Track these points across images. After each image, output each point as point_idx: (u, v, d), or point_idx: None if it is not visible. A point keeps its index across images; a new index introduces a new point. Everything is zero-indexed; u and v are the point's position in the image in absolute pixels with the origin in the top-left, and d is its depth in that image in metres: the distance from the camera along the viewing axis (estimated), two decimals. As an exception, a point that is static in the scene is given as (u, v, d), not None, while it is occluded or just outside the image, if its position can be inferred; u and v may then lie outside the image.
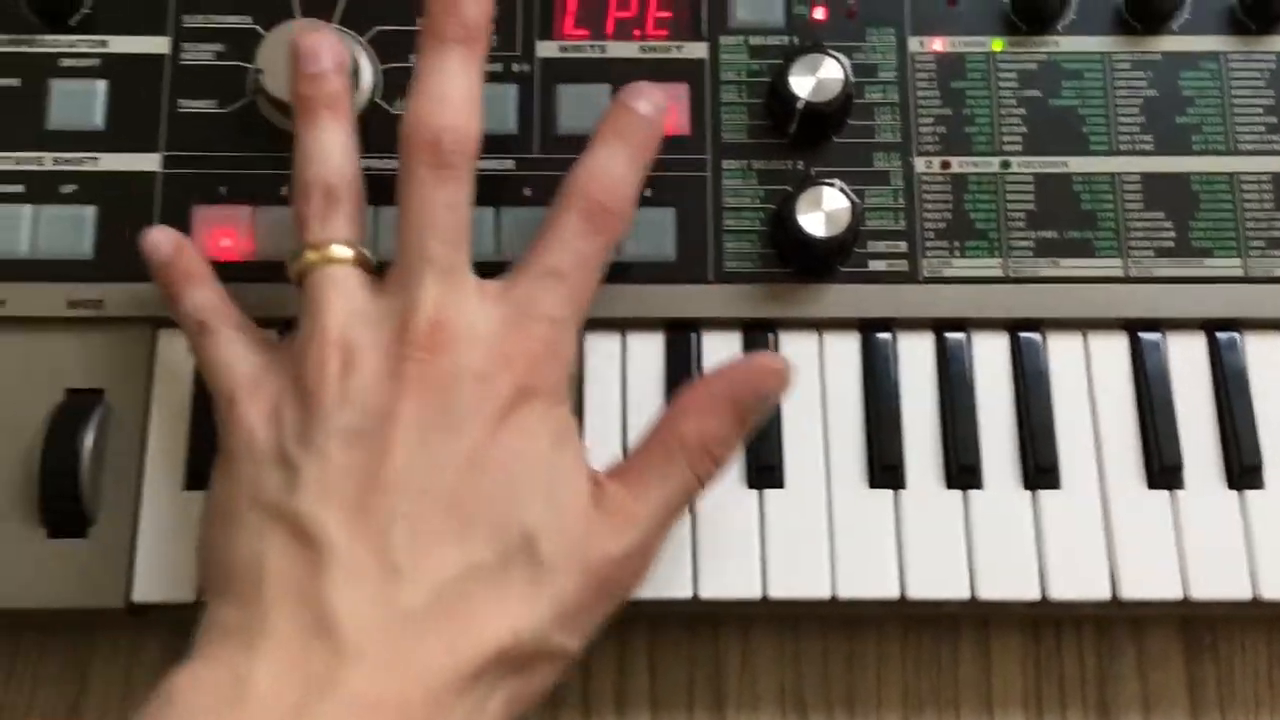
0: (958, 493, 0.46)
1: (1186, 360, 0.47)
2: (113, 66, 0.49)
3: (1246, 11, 0.50)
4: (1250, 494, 0.46)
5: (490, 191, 0.48)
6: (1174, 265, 0.47)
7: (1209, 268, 0.48)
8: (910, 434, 0.47)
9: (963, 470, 0.46)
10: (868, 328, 0.48)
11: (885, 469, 0.46)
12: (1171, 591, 0.44)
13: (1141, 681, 0.48)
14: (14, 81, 0.48)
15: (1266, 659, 0.48)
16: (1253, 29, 0.50)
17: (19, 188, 0.48)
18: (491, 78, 0.49)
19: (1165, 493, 0.46)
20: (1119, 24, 0.50)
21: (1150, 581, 0.45)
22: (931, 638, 0.49)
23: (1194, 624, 0.49)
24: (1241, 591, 0.45)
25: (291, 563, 0.36)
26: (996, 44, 0.50)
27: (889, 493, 0.46)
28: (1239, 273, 0.48)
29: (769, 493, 0.46)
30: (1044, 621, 0.49)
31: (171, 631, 0.49)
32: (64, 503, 0.45)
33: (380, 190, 0.48)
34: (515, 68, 0.49)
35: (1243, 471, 0.46)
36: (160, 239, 0.44)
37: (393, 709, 0.35)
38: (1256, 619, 0.48)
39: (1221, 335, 0.48)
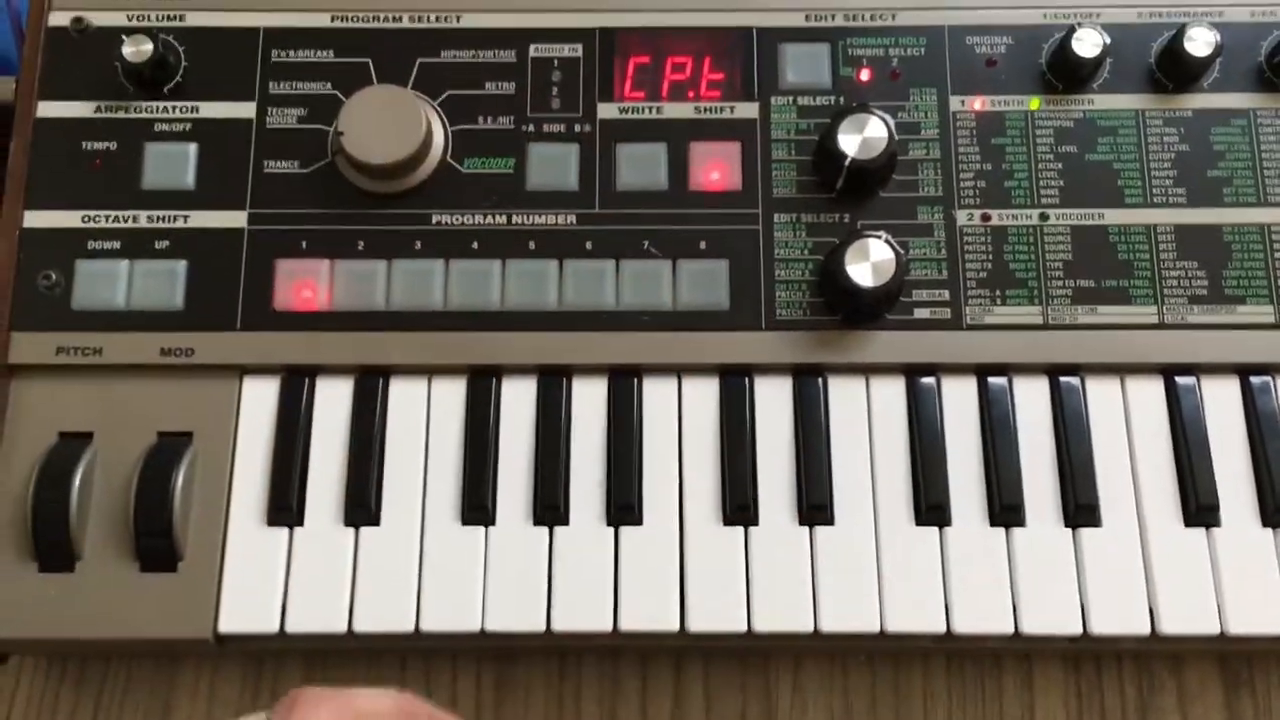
0: (1001, 530, 0.48)
1: (1221, 403, 0.49)
2: (203, 130, 0.52)
3: (1274, 70, 0.52)
4: (1285, 532, 0.48)
5: (553, 246, 0.51)
6: (1207, 312, 0.49)
7: (1241, 315, 0.49)
8: (955, 474, 0.49)
9: (1005, 509, 0.48)
10: (913, 373, 0.50)
11: (931, 508, 0.48)
12: (1209, 627, 0.46)
13: (1181, 715, 0.49)
14: (112, 145, 0.52)
15: (1305, 694, 0.50)
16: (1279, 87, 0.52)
17: (116, 244, 0.51)
18: (554, 138, 0.52)
19: (1202, 531, 0.48)
20: (1151, 83, 0.52)
21: (1188, 617, 0.46)
22: (975, 671, 0.50)
23: (1232, 659, 0.50)
24: (1277, 627, 0.46)
25: None
26: (1034, 103, 0.52)
27: (935, 530, 0.48)
28: (1271, 319, 0.49)
29: (819, 530, 0.48)
30: (1085, 656, 0.50)
31: (251, 660, 0.52)
32: (155, 539, 0.48)
33: (449, 243, 0.51)
34: (577, 128, 0.52)
35: (1277, 509, 0.47)
36: None
37: None
38: (1294, 654, 0.50)
39: (1255, 379, 0.49)
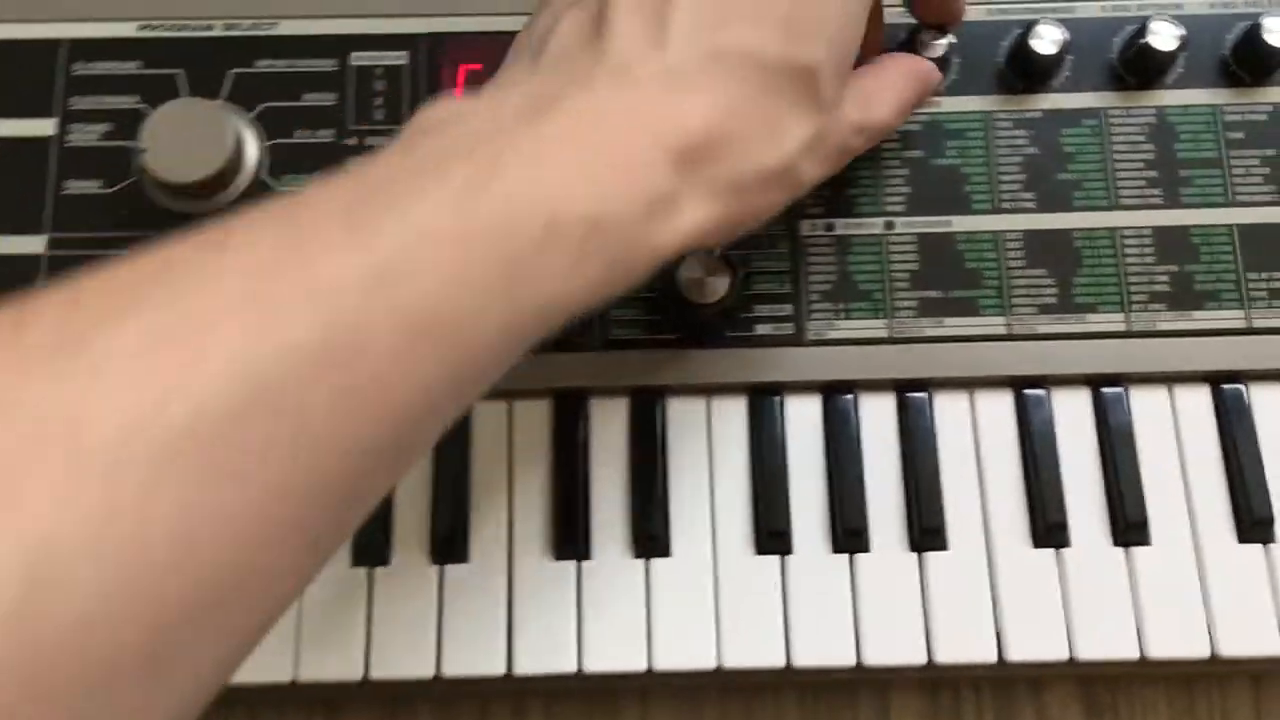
0: (845, 557, 0.46)
1: (1072, 416, 0.47)
2: (-3, 150, 0.49)
3: (1126, 67, 0.50)
4: (1137, 550, 0.46)
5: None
6: (1057, 322, 0.48)
7: (1092, 323, 0.48)
8: (797, 498, 0.46)
9: (849, 533, 0.46)
10: (755, 391, 0.48)
11: (772, 535, 0.46)
12: (1058, 652, 0.44)
13: (1039, 742, 0.48)
14: (-99, 167, 0.49)
15: (1167, 718, 0.48)
16: (1132, 84, 0.50)
17: (-97, 274, 0.48)
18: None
19: (1050, 551, 0.46)
20: (1000, 83, 0.50)
21: (1036, 642, 0.44)
22: (829, 702, 0.48)
23: (1093, 684, 0.48)
24: (1129, 651, 0.44)
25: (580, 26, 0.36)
26: (879, 105, 0.50)
27: (776, 559, 0.46)
28: (1122, 328, 0.48)
29: (655, 562, 0.46)
30: (941, 684, 0.48)
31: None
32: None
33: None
34: (401, 141, 0.50)
35: (1128, 528, 0.46)
36: None
37: (611, 133, 0.33)
38: (1154, 678, 0.48)
39: (1107, 390, 0.48)
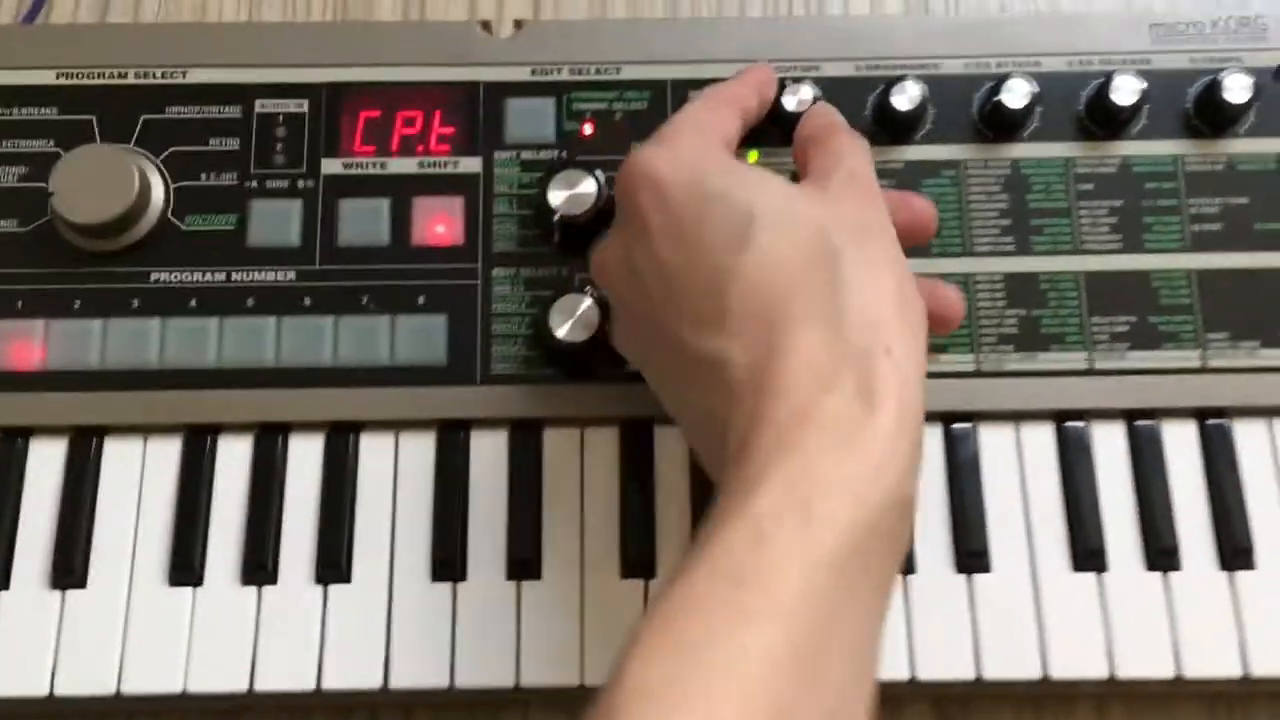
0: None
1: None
2: (-80, 190, 0.52)
3: (984, 121, 0.53)
4: (977, 577, 0.49)
5: (272, 302, 0.51)
6: (910, 362, 0.50)
7: (944, 364, 0.50)
8: (661, 525, 0.49)
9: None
10: (626, 425, 0.51)
11: (636, 563, 0.49)
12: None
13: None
14: None
15: (1012, 734, 0.51)
16: (990, 138, 0.53)
17: None
18: (277, 194, 0.52)
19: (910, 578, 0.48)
20: (867, 134, 0.53)
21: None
22: None
23: (947, 702, 0.51)
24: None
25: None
26: (752, 155, 0.53)
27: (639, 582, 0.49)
28: (972, 368, 0.51)
29: (526, 584, 0.49)
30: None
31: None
32: None
33: (167, 301, 0.51)
34: (300, 184, 0.53)
35: (969, 553, 0.49)
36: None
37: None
38: (1002, 696, 0.51)
39: (956, 427, 0.50)
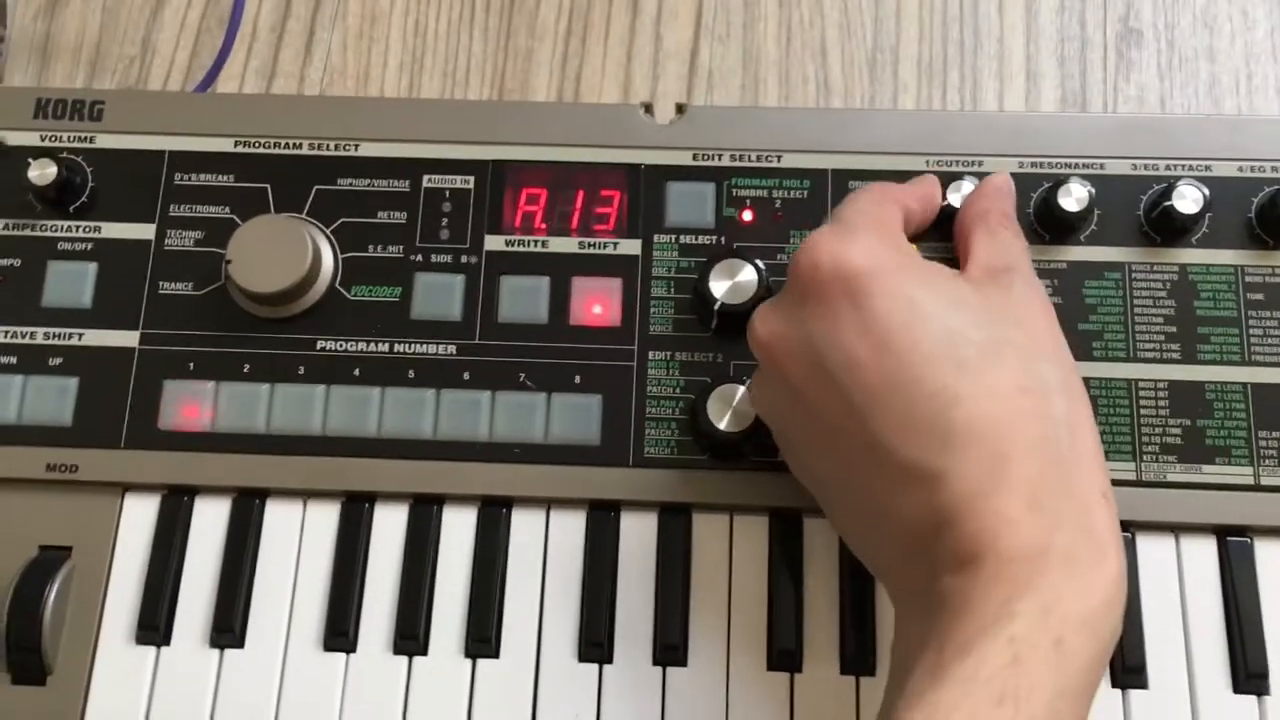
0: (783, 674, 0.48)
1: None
2: (104, 250, 0.54)
3: (1151, 225, 0.52)
4: (1132, 693, 0.48)
5: (432, 375, 0.52)
6: (1069, 467, 0.50)
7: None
8: (809, 618, 0.49)
9: (782, 653, 0.49)
10: (777, 515, 0.51)
11: (783, 653, 0.49)
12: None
13: None
14: (17, 262, 0.54)
15: None
16: (1156, 241, 0.52)
17: (12, 359, 0.53)
18: (441, 268, 0.54)
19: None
20: (1029, 233, 0.52)
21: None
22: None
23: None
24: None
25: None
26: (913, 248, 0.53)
27: (786, 675, 0.49)
28: (1133, 476, 0.50)
29: (671, 670, 0.49)
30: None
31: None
32: (24, 653, 0.49)
33: (332, 369, 0.52)
34: (464, 259, 0.54)
35: (1125, 670, 0.48)
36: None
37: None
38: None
39: (1116, 536, 0.49)
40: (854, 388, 0.41)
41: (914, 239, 0.51)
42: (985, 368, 0.40)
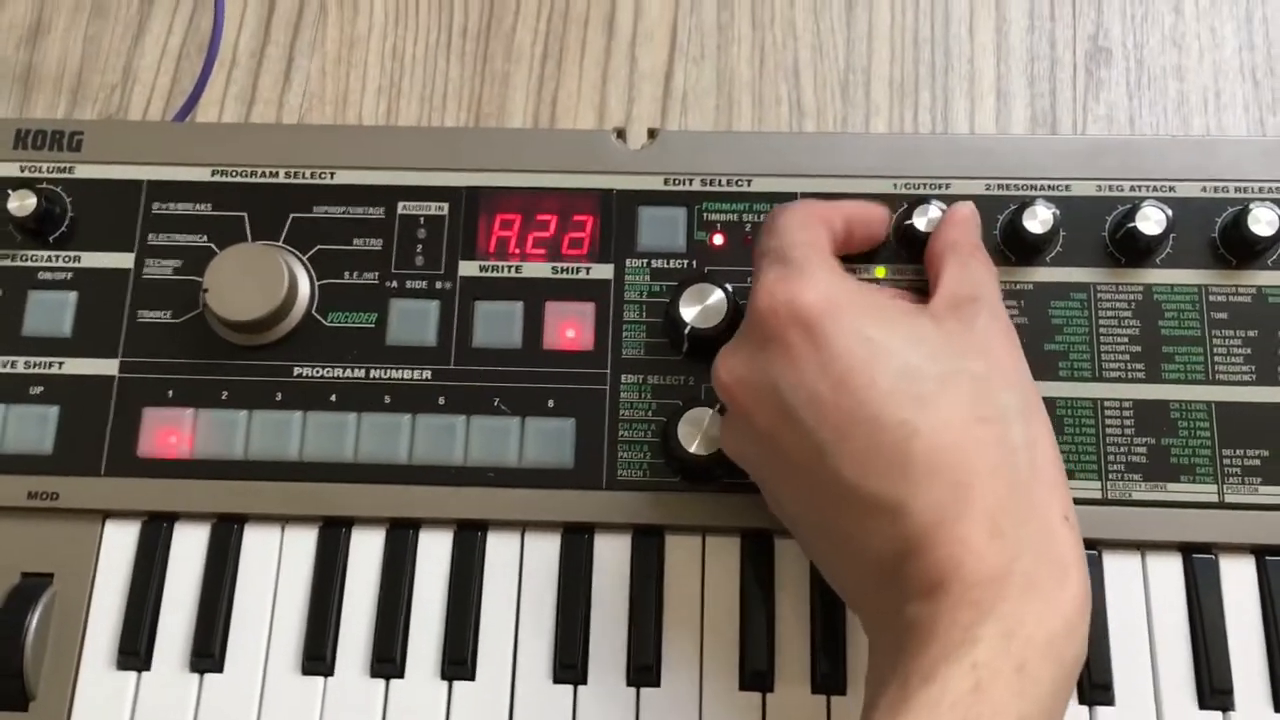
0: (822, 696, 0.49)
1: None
2: (83, 279, 0.55)
3: (1116, 245, 0.53)
4: (1099, 709, 0.48)
5: (408, 400, 0.53)
6: (1036, 487, 0.50)
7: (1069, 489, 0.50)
8: (780, 638, 0.50)
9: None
10: (748, 535, 0.51)
11: (755, 675, 0.49)
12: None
13: None
14: (-2, 292, 0.55)
15: None
16: (1121, 261, 0.53)
17: (-8, 388, 0.54)
18: (416, 294, 0.54)
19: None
20: (996, 254, 0.53)
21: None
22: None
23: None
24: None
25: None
26: (880, 271, 0.53)
27: (757, 695, 0.49)
28: (1098, 495, 0.50)
29: (644, 691, 0.49)
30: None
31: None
32: (7, 679, 0.50)
33: (308, 395, 0.53)
34: (438, 285, 0.54)
35: (1092, 687, 0.48)
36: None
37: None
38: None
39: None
40: (816, 426, 0.42)
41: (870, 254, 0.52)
42: (942, 400, 0.41)
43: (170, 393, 0.53)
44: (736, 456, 0.48)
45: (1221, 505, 0.50)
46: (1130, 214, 0.52)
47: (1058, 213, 0.52)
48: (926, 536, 0.39)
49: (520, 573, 0.52)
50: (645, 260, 0.54)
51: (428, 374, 0.53)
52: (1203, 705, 0.48)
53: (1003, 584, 0.39)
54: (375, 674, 0.50)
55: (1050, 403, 0.51)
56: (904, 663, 0.38)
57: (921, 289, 0.52)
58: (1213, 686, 0.48)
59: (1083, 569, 0.40)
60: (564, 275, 0.55)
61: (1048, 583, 0.39)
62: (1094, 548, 0.50)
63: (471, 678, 0.50)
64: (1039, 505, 0.41)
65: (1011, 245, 0.53)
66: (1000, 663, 0.37)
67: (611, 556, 0.52)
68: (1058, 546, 0.40)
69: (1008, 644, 0.38)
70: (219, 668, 0.50)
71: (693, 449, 0.50)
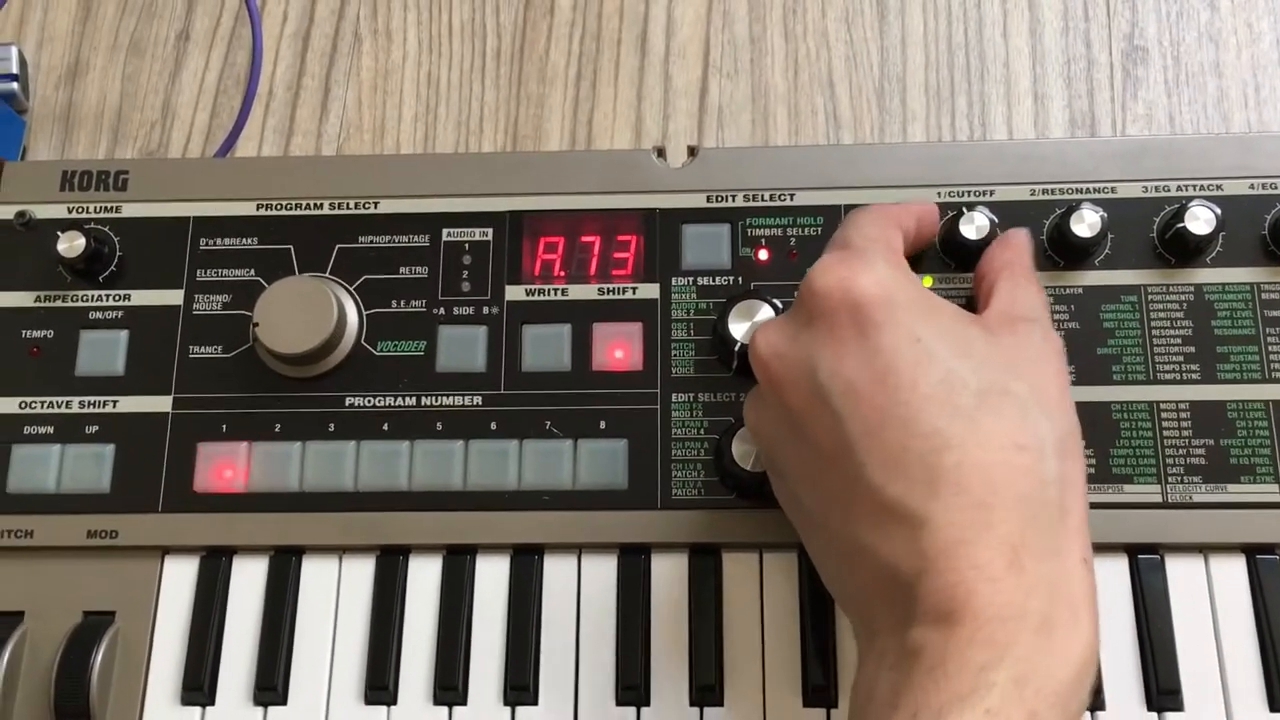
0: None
1: (1109, 583, 0.50)
2: (134, 317, 0.55)
3: (1165, 246, 0.52)
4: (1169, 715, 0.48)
5: (460, 426, 0.53)
6: (1094, 492, 0.50)
7: (1129, 494, 0.50)
8: (842, 653, 0.50)
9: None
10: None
11: (816, 689, 0.49)
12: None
13: None
14: (49, 333, 0.55)
15: None
16: (1171, 262, 0.53)
17: (50, 429, 0.54)
18: (464, 320, 0.54)
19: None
20: (1043, 259, 0.53)
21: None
22: None
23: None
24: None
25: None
26: (927, 280, 0.53)
27: (822, 712, 0.49)
28: (1158, 498, 0.50)
29: (708, 712, 0.49)
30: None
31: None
32: (74, 718, 0.50)
33: (361, 425, 0.53)
34: (485, 310, 0.55)
35: (1160, 694, 0.48)
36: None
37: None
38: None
39: (1142, 558, 0.50)
40: (850, 417, 0.41)
41: (915, 261, 0.51)
42: (981, 417, 0.40)
43: (224, 427, 0.54)
44: (758, 435, 0.47)
45: (1283, 505, 0.50)
46: (1179, 214, 0.52)
47: (1105, 216, 0.52)
48: (943, 555, 0.38)
49: (579, 595, 0.52)
50: (691, 278, 0.55)
51: (479, 399, 0.54)
52: (1273, 708, 0.48)
53: (1018, 623, 0.37)
54: (439, 701, 0.50)
55: (1105, 407, 0.51)
56: (910, 694, 0.37)
57: (967, 302, 0.52)
58: (1286, 686, 0.48)
59: (1094, 612, 0.39)
60: (610, 296, 0.55)
61: (1061, 626, 0.38)
62: (1156, 552, 0.50)
63: (535, 702, 0.50)
64: (1062, 544, 0.40)
65: (1059, 250, 0.53)
66: (1012, 710, 0.36)
67: (669, 576, 0.52)
68: (1073, 587, 0.39)
69: (1020, 691, 0.36)
70: (283, 700, 0.51)
71: (749, 466, 0.50)
